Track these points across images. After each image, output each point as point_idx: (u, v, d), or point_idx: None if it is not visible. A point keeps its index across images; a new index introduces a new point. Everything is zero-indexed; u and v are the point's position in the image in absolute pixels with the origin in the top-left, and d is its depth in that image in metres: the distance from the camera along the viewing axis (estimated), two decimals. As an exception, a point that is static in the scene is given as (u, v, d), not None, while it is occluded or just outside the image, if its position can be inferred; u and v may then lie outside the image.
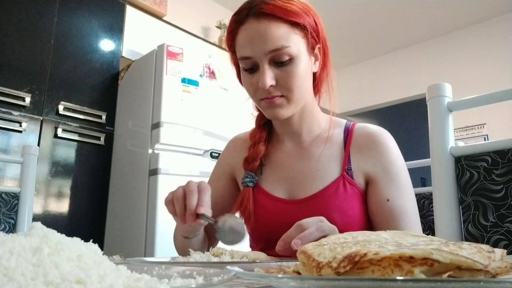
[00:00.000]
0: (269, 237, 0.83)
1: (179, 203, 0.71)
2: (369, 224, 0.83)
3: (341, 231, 0.73)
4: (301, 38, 0.78)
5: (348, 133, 0.87)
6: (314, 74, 0.85)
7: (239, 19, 0.79)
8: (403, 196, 0.81)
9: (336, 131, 0.88)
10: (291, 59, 0.76)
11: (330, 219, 0.69)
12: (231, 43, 0.83)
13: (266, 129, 0.94)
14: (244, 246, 0.83)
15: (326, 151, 0.86)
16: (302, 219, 0.68)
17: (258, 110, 0.93)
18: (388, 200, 0.80)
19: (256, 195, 0.87)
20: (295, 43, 0.76)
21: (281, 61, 0.76)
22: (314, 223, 0.63)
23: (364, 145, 0.84)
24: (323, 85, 0.89)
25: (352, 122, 0.92)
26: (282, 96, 0.78)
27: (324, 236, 0.57)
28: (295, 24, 0.76)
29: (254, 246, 0.92)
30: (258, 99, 0.81)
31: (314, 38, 0.80)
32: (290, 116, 0.83)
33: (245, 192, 0.87)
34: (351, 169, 0.83)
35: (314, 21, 0.80)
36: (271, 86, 0.76)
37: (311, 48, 0.81)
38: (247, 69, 0.80)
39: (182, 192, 0.72)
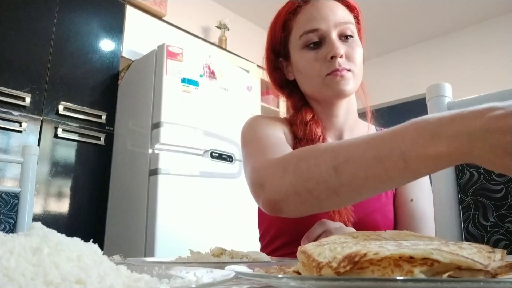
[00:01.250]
0: (301, 232, 0.78)
1: None
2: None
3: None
4: (355, 24, 0.83)
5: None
6: None
7: (299, 2, 0.82)
8: (425, 198, 0.83)
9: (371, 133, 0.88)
10: (353, 36, 0.80)
11: (373, 221, 0.72)
12: (286, 24, 0.83)
13: (311, 112, 0.86)
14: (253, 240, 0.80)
15: None
16: (348, 219, 0.71)
17: (289, 96, 0.89)
18: (411, 200, 0.82)
19: None
20: (354, 24, 0.82)
21: (346, 35, 0.79)
22: (340, 225, 0.64)
23: None
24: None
25: (380, 128, 0.94)
26: (349, 70, 0.78)
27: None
28: (351, 9, 0.84)
29: (267, 241, 0.85)
30: (323, 75, 0.78)
31: (361, 32, 0.86)
32: (346, 98, 0.82)
33: None
34: None
35: (362, 20, 0.87)
36: (341, 57, 0.77)
37: (359, 39, 0.84)
38: (311, 44, 0.79)
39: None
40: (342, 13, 0.80)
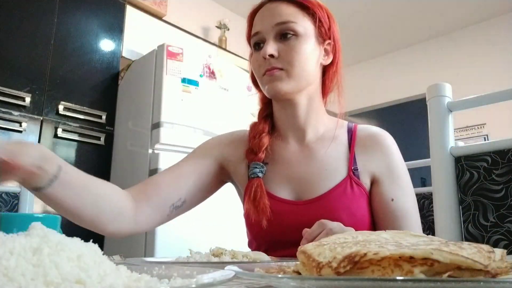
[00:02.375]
0: (273, 240, 0.82)
1: None
2: (373, 225, 0.84)
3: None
4: (310, 22, 0.82)
5: (351, 133, 0.88)
6: (324, 68, 0.88)
7: (258, 7, 0.87)
8: (406, 196, 0.82)
9: (340, 131, 0.88)
10: (296, 36, 0.80)
11: (338, 220, 0.70)
12: (250, 31, 0.88)
13: (269, 122, 0.90)
14: (243, 246, 0.83)
15: (332, 150, 0.85)
16: (310, 221, 0.69)
17: (261, 103, 0.93)
18: (392, 200, 0.81)
19: None
20: (301, 22, 0.81)
21: (285, 34, 0.80)
22: (338, 224, 0.65)
23: (369, 146, 0.85)
24: (332, 84, 0.90)
25: (353, 124, 0.92)
26: (282, 69, 0.79)
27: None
28: (305, 8, 0.82)
29: (254, 248, 0.89)
30: (261, 74, 0.82)
31: (325, 29, 0.84)
32: (293, 99, 0.83)
33: (255, 183, 0.81)
34: (357, 170, 0.83)
35: (327, 17, 0.85)
36: (273, 57, 0.79)
37: (321, 38, 0.84)
38: (254, 45, 0.84)
39: None
40: (284, 13, 0.81)
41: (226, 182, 0.95)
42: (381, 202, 0.81)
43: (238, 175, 0.89)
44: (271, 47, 0.79)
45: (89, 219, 0.70)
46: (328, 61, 0.87)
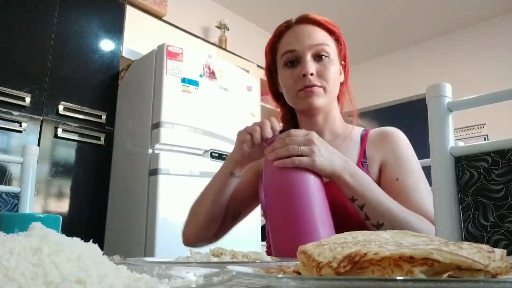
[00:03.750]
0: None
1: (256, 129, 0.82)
2: None
3: (352, 215, 0.82)
4: (335, 46, 0.95)
5: (364, 134, 0.97)
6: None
7: (288, 24, 0.96)
8: (412, 176, 0.87)
9: (354, 133, 0.98)
10: (328, 57, 0.92)
11: (344, 206, 0.82)
12: (273, 47, 0.99)
13: (292, 124, 1.03)
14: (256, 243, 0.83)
15: (345, 147, 0.94)
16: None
17: (282, 120, 1.05)
18: (397, 179, 0.86)
19: None
20: (331, 46, 0.94)
21: (320, 55, 0.91)
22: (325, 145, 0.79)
23: (378, 140, 0.94)
24: (344, 99, 1.03)
25: (368, 129, 1.02)
26: (320, 86, 0.90)
27: (310, 143, 0.76)
28: (332, 33, 0.95)
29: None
30: (296, 90, 0.91)
31: (343, 53, 0.98)
32: (325, 110, 0.94)
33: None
34: (366, 162, 0.91)
35: (343, 41, 0.98)
36: (311, 75, 0.89)
37: (340, 59, 0.97)
38: (288, 62, 0.93)
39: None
40: (318, 36, 0.92)
41: None
42: (386, 183, 0.87)
43: None
44: (312, 66, 0.89)
45: (207, 219, 0.91)
46: (342, 79, 0.99)
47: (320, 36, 0.92)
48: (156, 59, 2.19)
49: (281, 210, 0.77)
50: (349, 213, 0.82)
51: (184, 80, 2.16)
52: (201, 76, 2.25)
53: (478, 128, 3.73)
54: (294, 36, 0.93)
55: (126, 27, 2.54)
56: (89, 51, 2.29)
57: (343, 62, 0.99)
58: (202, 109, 2.21)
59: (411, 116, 4.89)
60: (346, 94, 1.03)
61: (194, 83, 2.20)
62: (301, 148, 0.75)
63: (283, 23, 0.97)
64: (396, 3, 3.62)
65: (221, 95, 2.34)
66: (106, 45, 2.38)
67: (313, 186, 0.76)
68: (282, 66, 0.95)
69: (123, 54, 2.49)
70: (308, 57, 0.90)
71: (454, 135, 0.78)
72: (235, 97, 2.40)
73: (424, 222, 0.77)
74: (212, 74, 2.31)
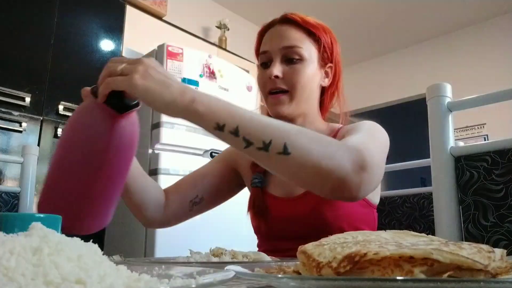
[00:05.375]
0: (272, 234, 0.91)
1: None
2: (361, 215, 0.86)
3: (332, 224, 0.80)
4: (314, 48, 0.89)
5: (336, 132, 0.90)
6: (323, 89, 0.94)
7: (269, 24, 0.93)
8: (359, 136, 0.70)
9: (330, 134, 0.91)
10: (301, 60, 0.86)
11: (321, 213, 0.79)
12: (258, 46, 0.94)
13: None
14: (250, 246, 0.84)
15: None
16: (299, 214, 0.82)
17: (266, 115, 0.97)
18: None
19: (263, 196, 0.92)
20: (307, 48, 0.87)
21: (291, 58, 0.86)
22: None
23: (343, 133, 0.82)
24: (331, 103, 0.97)
25: (342, 125, 0.94)
26: (285, 92, 0.85)
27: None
28: (311, 34, 0.88)
29: (264, 244, 0.95)
30: (266, 92, 0.88)
31: (327, 54, 0.91)
32: (293, 117, 0.88)
33: (255, 192, 0.92)
34: None
35: (330, 41, 0.91)
36: (278, 78, 0.85)
37: (322, 61, 0.90)
38: (262, 64, 0.90)
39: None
40: (292, 37, 0.86)
41: (244, 186, 1.02)
42: None
43: (247, 181, 0.99)
44: (277, 69, 0.85)
45: (137, 202, 0.85)
46: (327, 82, 0.93)
47: (295, 37, 0.86)
48: (156, 59, 2.18)
49: (55, 159, 0.61)
50: (328, 223, 0.80)
51: (184, 80, 2.16)
52: (201, 76, 2.25)
53: (478, 128, 3.74)
54: (269, 37, 0.90)
55: (126, 27, 2.54)
56: (89, 51, 2.29)
57: (330, 64, 0.92)
58: (202, 109, 2.21)
59: (411, 116, 4.90)
60: (333, 99, 0.96)
61: (194, 83, 2.20)
62: (123, 65, 0.57)
63: (267, 22, 0.94)
64: (396, 3, 3.62)
65: (221, 95, 2.34)
66: (106, 45, 2.38)
67: (95, 132, 0.56)
68: (258, 66, 0.93)
69: (123, 54, 2.49)
70: (278, 59, 0.86)
71: (454, 135, 0.78)
72: (235, 97, 2.40)
73: (337, 145, 0.60)
74: (212, 74, 2.31)
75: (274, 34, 0.89)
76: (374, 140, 0.69)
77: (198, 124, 0.58)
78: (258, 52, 0.94)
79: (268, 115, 0.96)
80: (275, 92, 0.86)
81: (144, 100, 0.57)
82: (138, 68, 0.56)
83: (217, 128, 0.58)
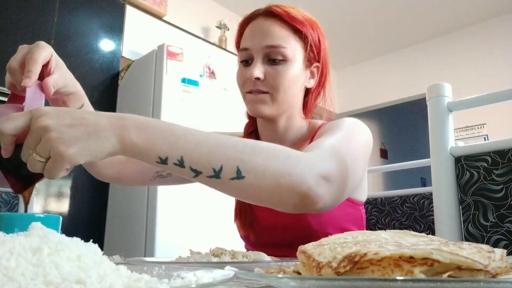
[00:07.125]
0: (261, 241, 0.89)
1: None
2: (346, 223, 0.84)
3: (317, 230, 0.78)
4: (300, 47, 0.81)
5: (317, 130, 0.86)
6: (308, 90, 0.87)
7: (251, 16, 0.85)
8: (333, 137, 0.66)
9: (312, 132, 0.88)
10: (285, 61, 0.79)
11: (305, 220, 0.77)
12: (239, 39, 0.87)
13: (254, 137, 0.92)
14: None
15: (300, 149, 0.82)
16: (284, 219, 0.79)
17: (248, 118, 0.95)
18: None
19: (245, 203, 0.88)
20: (292, 47, 0.79)
21: (274, 59, 0.79)
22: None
23: (322, 132, 0.77)
24: (315, 103, 0.89)
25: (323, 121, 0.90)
26: (267, 93, 0.79)
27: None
28: (297, 32, 0.80)
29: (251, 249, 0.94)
30: (245, 91, 0.82)
31: (314, 53, 0.83)
32: (274, 118, 0.84)
33: (241, 202, 0.89)
34: None
35: (318, 38, 0.84)
36: (259, 80, 0.78)
37: (308, 62, 0.83)
38: (243, 61, 0.83)
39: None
40: (276, 35, 0.79)
41: None
42: None
43: None
44: (258, 70, 0.78)
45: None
46: (312, 84, 0.86)
47: (279, 36, 0.79)
48: (156, 59, 2.19)
49: None
50: (313, 230, 0.79)
51: (184, 80, 2.16)
52: (201, 76, 2.25)
53: (478, 128, 3.73)
54: (251, 32, 0.82)
55: (126, 27, 2.54)
56: (89, 51, 2.29)
57: (317, 64, 0.85)
58: (202, 109, 2.21)
59: (411, 116, 4.90)
60: (317, 99, 0.90)
61: (194, 83, 2.20)
62: (35, 152, 0.47)
63: (249, 13, 0.85)
64: (396, 3, 3.62)
65: (221, 95, 2.34)
66: (106, 45, 2.38)
67: None
68: (239, 62, 0.85)
69: (123, 54, 2.49)
70: (259, 59, 0.79)
71: (454, 135, 0.78)
72: (235, 97, 2.40)
73: (296, 157, 0.54)
74: (212, 74, 2.31)
75: (256, 30, 0.81)
76: (350, 141, 0.66)
77: (139, 159, 0.51)
78: (239, 45, 0.87)
79: (250, 125, 0.94)
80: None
81: (76, 163, 0.48)
82: (50, 138, 0.46)
83: (160, 162, 0.50)
